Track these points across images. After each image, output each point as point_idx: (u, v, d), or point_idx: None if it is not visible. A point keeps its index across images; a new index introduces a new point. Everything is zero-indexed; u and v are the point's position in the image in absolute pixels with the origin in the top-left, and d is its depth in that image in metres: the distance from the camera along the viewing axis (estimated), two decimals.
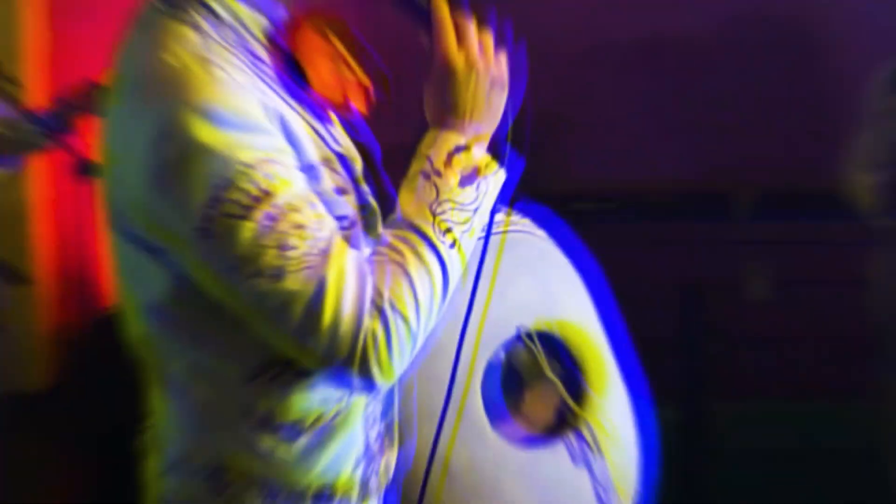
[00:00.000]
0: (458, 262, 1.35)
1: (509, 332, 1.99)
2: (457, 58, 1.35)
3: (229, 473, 1.43)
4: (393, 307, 1.26)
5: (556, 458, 2.02)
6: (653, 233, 4.03)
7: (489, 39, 1.37)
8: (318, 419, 1.40)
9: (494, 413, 2.01)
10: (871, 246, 3.37)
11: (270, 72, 1.37)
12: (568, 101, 4.23)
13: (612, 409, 2.08)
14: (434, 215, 1.32)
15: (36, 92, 4.59)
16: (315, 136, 1.37)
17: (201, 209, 1.24)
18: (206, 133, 1.23)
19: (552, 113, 4.09)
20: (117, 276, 1.47)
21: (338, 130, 1.45)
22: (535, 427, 2.04)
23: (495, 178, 1.38)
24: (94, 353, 3.98)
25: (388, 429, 1.55)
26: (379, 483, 1.52)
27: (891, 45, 3.38)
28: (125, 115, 1.35)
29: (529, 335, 2.01)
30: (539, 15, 4.12)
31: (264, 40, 1.40)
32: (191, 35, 1.33)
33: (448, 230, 1.31)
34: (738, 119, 4.27)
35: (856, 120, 3.34)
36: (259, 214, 1.24)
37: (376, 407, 1.50)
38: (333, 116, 1.46)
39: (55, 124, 3.41)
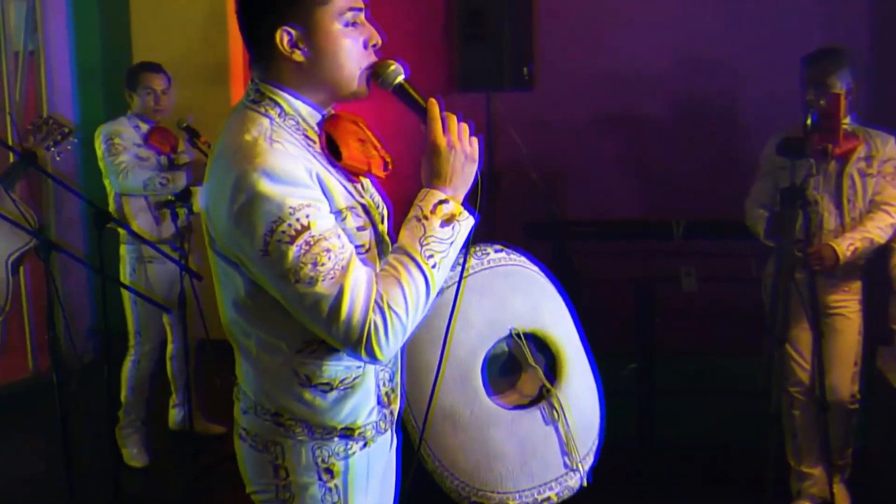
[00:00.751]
0: (439, 277, 1.63)
1: (505, 332, 2.34)
2: (442, 141, 1.63)
3: (285, 415, 1.74)
4: (389, 306, 1.57)
5: (533, 418, 2.32)
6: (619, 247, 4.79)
7: (466, 129, 1.66)
8: (343, 381, 1.73)
9: (492, 387, 2.33)
10: (762, 257, 3.86)
11: (317, 147, 1.69)
12: (572, 158, 5.24)
13: (573, 388, 2.37)
14: (422, 245, 1.60)
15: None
16: (344, 192, 1.68)
17: (262, 237, 1.56)
18: (264, 186, 1.55)
19: (561, 167, 5.32)
20: (215, 281, 1.77)
21: (363, 187, 1.76)
22: (526, 397, 2.36)
23: (466, 222, 1.66)
24: None
25: (394, 388, 1.85)
26: (387, 424, 1.84)
27: (781, 117, 3.75)
28: (218, 172, 1.64)
29: (519, 335, 2.34)
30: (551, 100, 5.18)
31: (314, 127, 1.71)
32: (263, 121, 1.66)
33: (431, 255, 1.61)
34: (676, 172, 5.01)
35: (753, 171, 3.84)
36: (300, 241, 1.55)
37: (385, 373, 1.81)
38: (364, 178, 1.77)
39: None
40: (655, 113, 5.20)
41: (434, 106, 1.68)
